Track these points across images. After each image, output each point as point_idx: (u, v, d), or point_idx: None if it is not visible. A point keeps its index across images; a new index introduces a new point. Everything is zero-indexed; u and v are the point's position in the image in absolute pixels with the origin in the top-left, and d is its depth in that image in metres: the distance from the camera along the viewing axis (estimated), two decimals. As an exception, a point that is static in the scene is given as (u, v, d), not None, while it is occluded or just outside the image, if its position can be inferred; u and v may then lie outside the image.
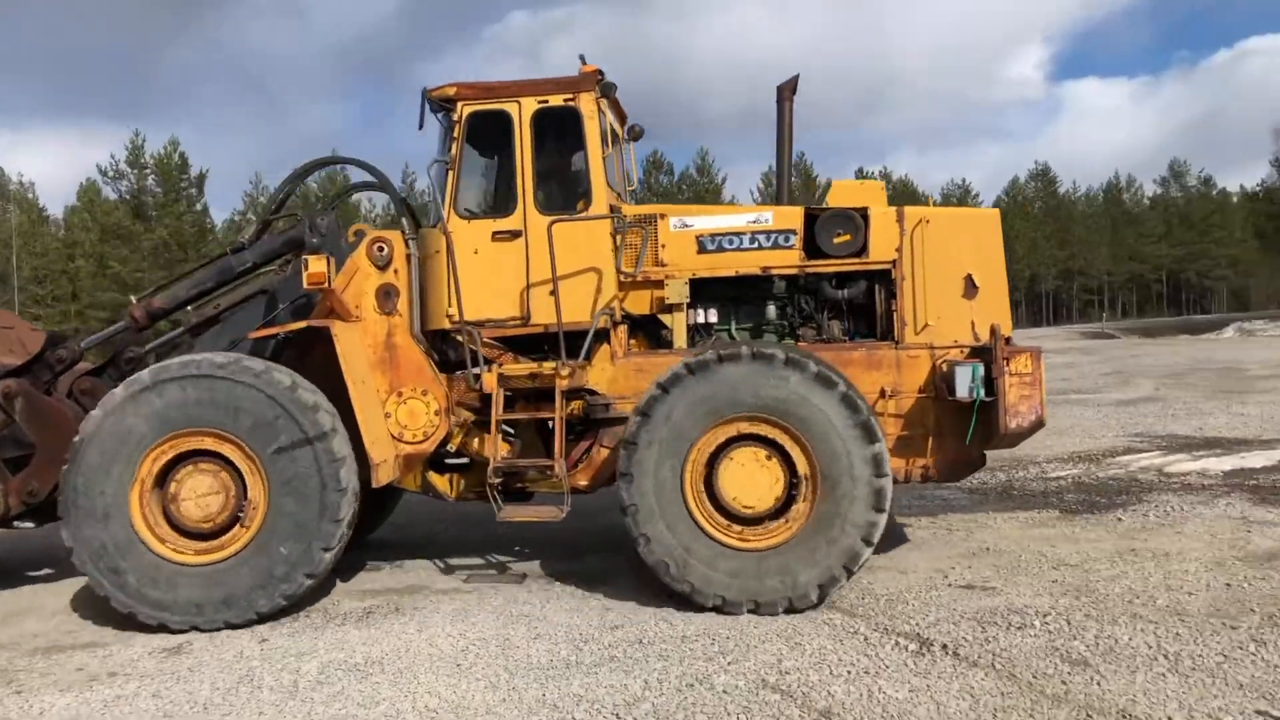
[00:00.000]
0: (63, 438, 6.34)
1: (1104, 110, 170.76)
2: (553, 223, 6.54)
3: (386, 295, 6.76)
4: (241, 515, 6.06)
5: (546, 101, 6.69)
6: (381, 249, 6.81)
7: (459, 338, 6.73)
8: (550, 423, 6.63)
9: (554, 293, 6.50)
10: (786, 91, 7.58)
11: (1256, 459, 10.19)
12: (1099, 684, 4.50)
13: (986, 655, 4.94)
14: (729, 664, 5.00)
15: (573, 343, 6.58)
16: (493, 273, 6.65)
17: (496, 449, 6.53)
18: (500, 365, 6.67)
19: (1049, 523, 7.98)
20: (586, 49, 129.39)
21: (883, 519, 5.75)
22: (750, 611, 5.75)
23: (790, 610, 5.72)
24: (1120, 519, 7.92)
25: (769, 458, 5.85)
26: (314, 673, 5.19)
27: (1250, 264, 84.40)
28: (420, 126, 6.89)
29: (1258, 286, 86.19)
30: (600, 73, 6.76)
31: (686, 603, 5.86)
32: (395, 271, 6.80)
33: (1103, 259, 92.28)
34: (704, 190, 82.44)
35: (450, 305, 6.67)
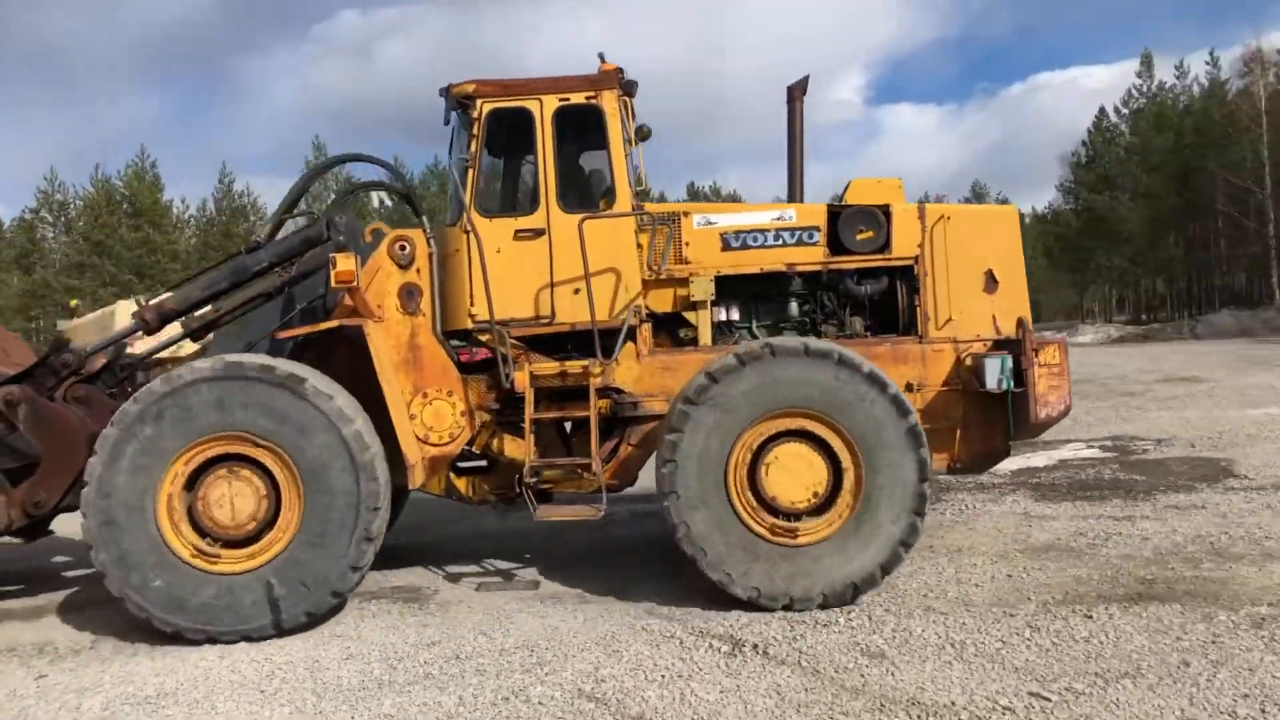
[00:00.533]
0: (71, 446, 6.12)
1: (916, 133, 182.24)
2: (584, 220, 6.45)
3: (409, 295, 6.60)
4: (245, 541, 5.81)
5: (568, 99, 6.63)
6: (404, 248, 6.64)
7: (481, 337, 6.69)
8: (566, 422, 6.75)
9: (579, 291, 6.50)
10: (797, 92, 7.63)
11: (1039, 459, 11.12)
12: (893, 674, 4.77)
13: (794, 653, 5.15)
14: (546, 675, 4.99)
15: (601, 341, 6.51)
16: (515, 272, 6.55)
17: (530, 449, 6.43)
18: (529, 365, 6.56)
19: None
20: (419, 50, 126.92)
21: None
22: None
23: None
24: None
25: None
26: (97, 710, 4.81)
27: (1040, 280, 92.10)
28: (446, 123, 6.85)
29: (1046, 302, 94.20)
30: (621, 71, 6.72)
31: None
32: (418, 270, 6.65)
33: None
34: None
35: (472, 305, 6.57)
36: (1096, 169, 71.12)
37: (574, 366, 6.48)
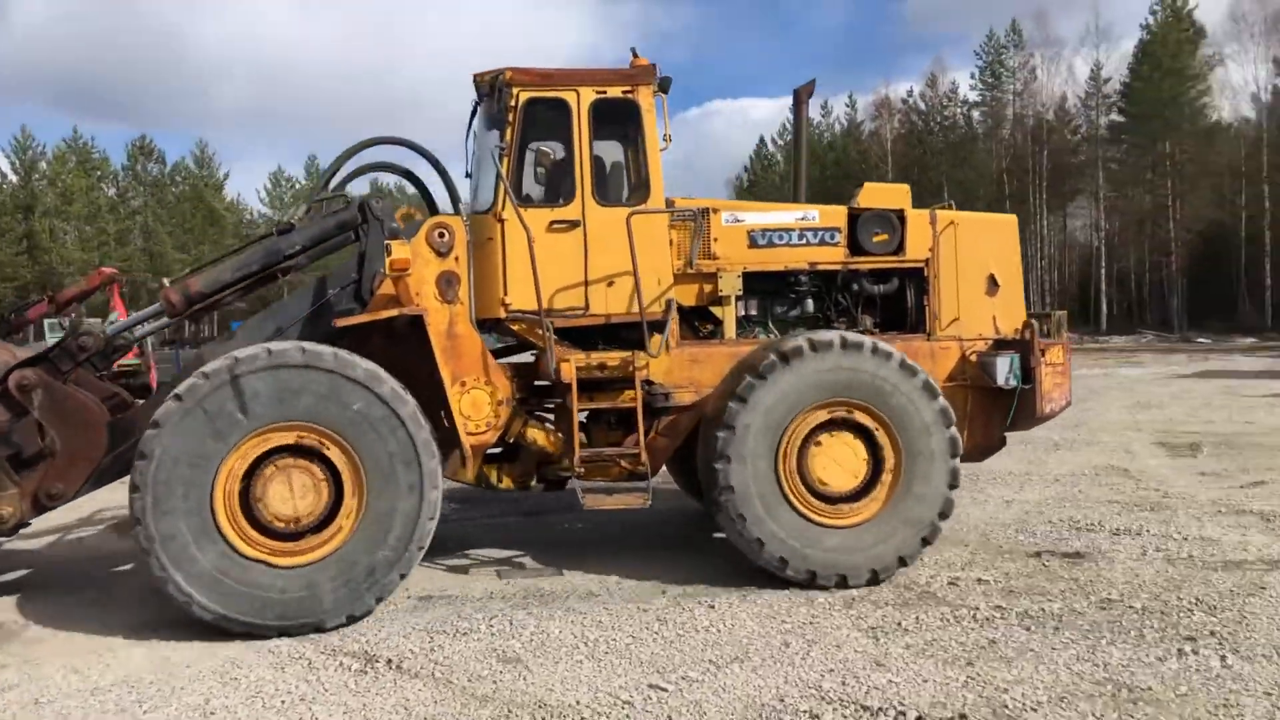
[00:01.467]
0: (91, 434, 5.93)
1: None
2: (631, 214, 6.52)
3: (448, 283, 6.46)
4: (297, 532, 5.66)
5: (605, 92, 6.68)
6: (443, 235, 6.49)
7: (513, 327, 6.72)
8: (583, 412, 6.75)
9: (611, 284, 6.64)
10: (803, 95, 7.82)
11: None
12: (525, 678, 4.81)
13: (429, 665, 5.03)
14: (145, 713, 4.47)
15: (626, 333, 6.70)
16: (549, 262, 6.47)
17: (576, 438, 6.56)
18: (570, 356, 6.58)
19: (513, 527, 8.47)
20: (61, 18, 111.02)
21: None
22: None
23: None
24: (568, 520, 8.68)
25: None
26: None
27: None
28: (495, 113, 6.73)
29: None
30: (656, 66, 6.79)
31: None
32: (456, 259, 6.52)
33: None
34: (203, 183, 75.68)
35: (505, 294, 6.52)
36: (757, 193, 77.99)
37: (615, 358, 6.60)
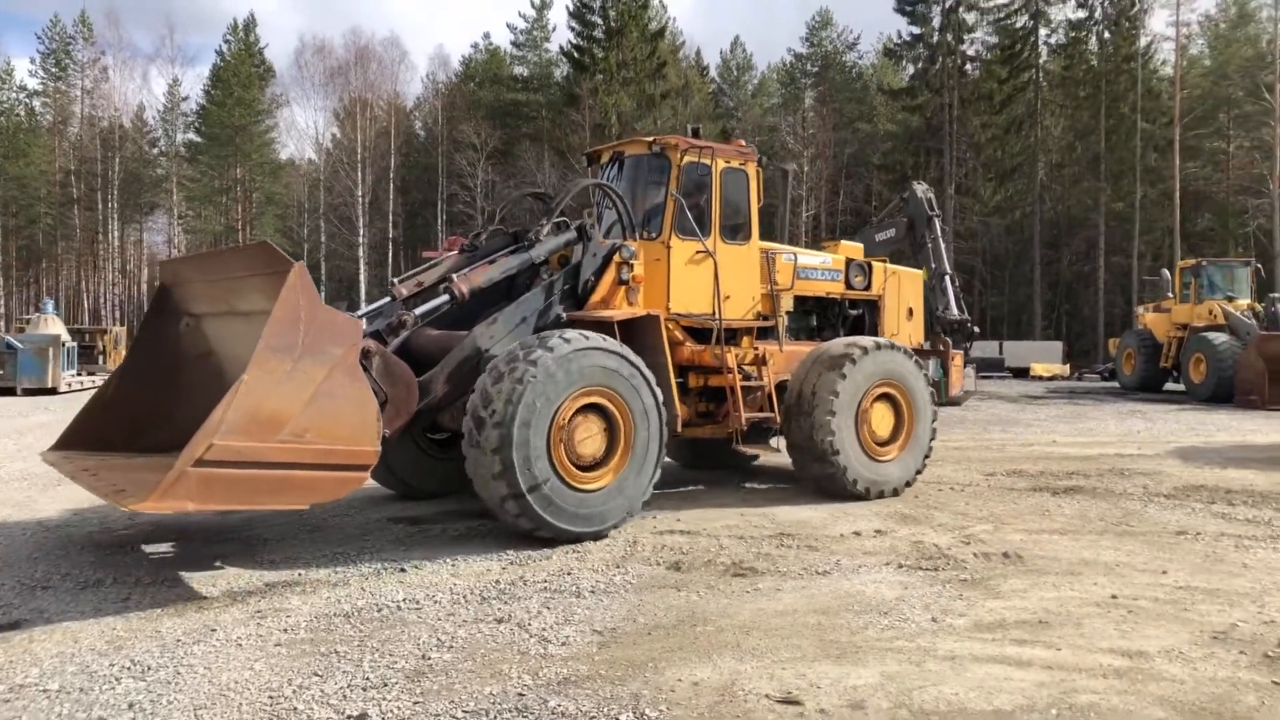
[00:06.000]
0: (409, 391, 7.11)
1: None
2: (766, 251, 9.43)
3: (632, 291, 8.44)
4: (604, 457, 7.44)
5: (730, 163, 9.08)
6: (631, 255, 8.45)
7: (668, 325, 8.59)
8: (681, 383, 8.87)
9: (729, 298, 8.96)
10: (789, 175, 12.83)
11: None
12: None
13: None
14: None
15: (731, 334, 8.99)
16: (693, 280, 8.74)
17: (741, 405, 8.66)
18: (733, 347, 9.03)
19: None
20: None
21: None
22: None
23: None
24: None
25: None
26: None
27: None
28: (657, 166, 8.99)
29: None
30: (755, 149, 9.54)
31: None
32: (638, 275, 8.48)
33: None
34: None
35: (669, 300, 8.62)
36: None
37: (751, 350, 9.17)
